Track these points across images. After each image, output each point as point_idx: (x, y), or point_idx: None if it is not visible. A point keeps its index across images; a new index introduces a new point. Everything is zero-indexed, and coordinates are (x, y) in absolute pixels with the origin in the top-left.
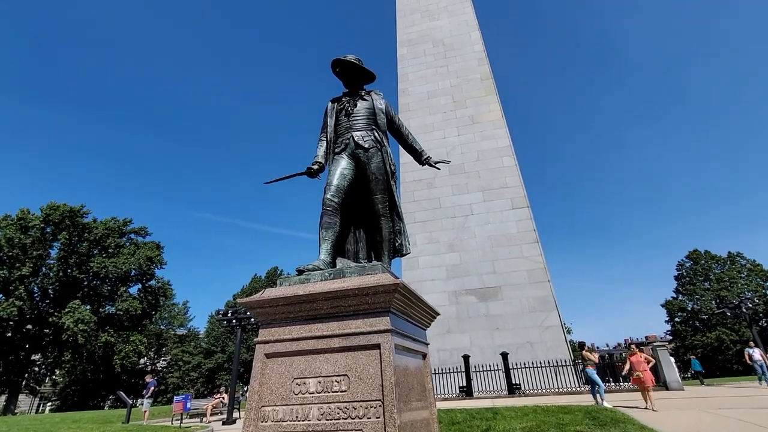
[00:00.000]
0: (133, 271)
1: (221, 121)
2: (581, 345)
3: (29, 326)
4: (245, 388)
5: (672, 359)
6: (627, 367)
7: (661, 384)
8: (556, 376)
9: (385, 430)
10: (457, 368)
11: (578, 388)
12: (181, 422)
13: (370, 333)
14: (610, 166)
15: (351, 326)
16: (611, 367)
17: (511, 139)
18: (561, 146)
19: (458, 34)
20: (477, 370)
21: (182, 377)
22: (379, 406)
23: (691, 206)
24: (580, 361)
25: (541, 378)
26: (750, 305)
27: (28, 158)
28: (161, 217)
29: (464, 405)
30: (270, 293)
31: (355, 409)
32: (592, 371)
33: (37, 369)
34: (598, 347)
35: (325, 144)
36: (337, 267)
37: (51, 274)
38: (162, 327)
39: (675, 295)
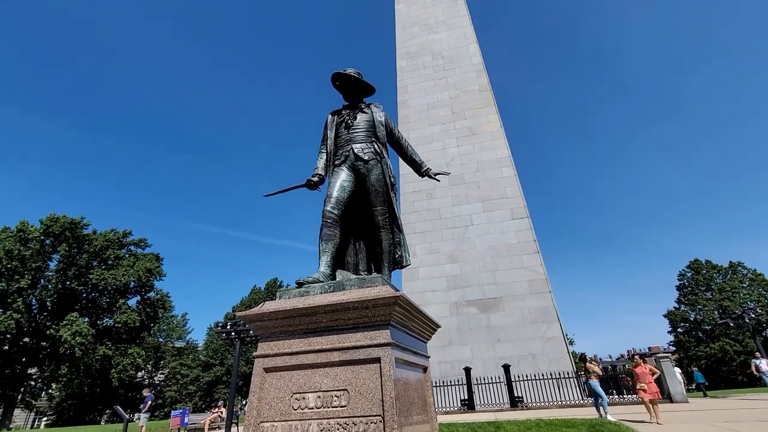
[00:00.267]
0: (132, 283)
1: (222, 132)
2: (582, 357)
3: (26, 339)
4: (244, 402)
5: (678, 370)
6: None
7: (665, 396)
8: (558, 388)
9: None
10: (458, 381)
11: (581, 401)
12: None
13: (370, 346)
14: (609, 175)
15: (351, 340)
16: (614, 379)
17: (511, 150)
18: (560, 156)
19: (457, 46)
20: (479, 382)
21: (180, 391)
22: (380, 421)
23: (691, 214)
24: (582, 373)
25: (544, 390)
26: (753, 315)
27: (27, 169)
28: (160, 228)
29: (466, 419)
30: (269, 306)
31: (355, 424)
32: (595, 383)
33: (33, 383)
34: (600, 359)
35: (325, 156)
36: (337, 279)
37: (49, 286)
38: (160, 339)
39: (677, 306)
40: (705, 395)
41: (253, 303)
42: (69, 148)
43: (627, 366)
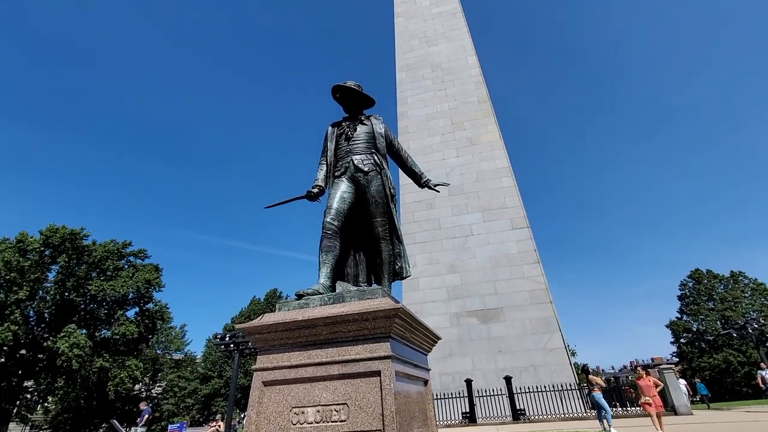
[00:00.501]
0: (131, 294)
1: (222, 142)
2: (584, 368)
3: (23, 351)
4: (242, 415)
5: (683, 381)
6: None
7: (669, 408)
8: (561, 400)
9: None
10: (459, 393)
11: (584, 413)
12: None
13: (370, 359)
14: (609, 184)
15: (351, 352)
16: (618, 391)
17: (510, 160)
18: (559, 166)
19: (456, 59)
20: (480, 395)
21: (178, 404)
22: None
23: (690, 223)
24: (585, 384)
25: (546, 403)
26: (756, 326)
27: (28, 181)
28: (160, 238)
29: None
30: (268, 318)
31: None
32: (598, 395)
33: (29, 396)
34: (603, 370)
35: (325, 168)
36: (337, 291)
37: (48, 297)
38: (158, 351)
39: (679, 316)
40: (708, 407)
41: (253, 314)
42: (70, 158)
43: (630, 377)
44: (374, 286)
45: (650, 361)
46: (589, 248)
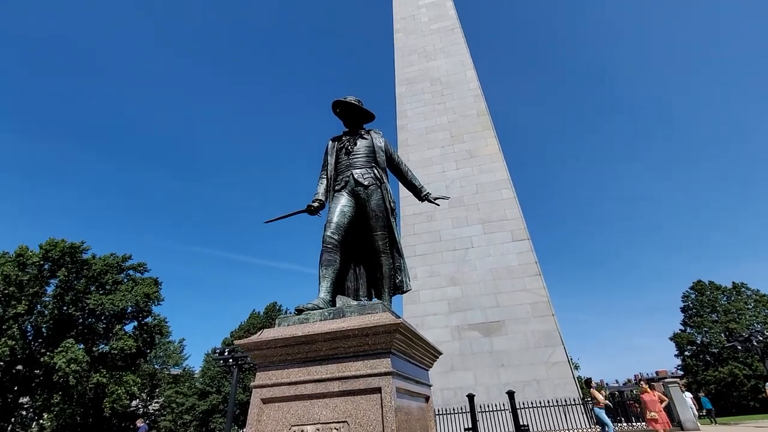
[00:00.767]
0: (130, 308)
1: (223, 155)
2: (588, 382)
3: (19, 367)
4: None
5: (689, 395)
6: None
7: (676, 424)
8: (565, 415)
9: None
10: (461, 408)
11: (588, 429)
12: None
13: (370, 376)
14: (609, 196)
15: (351, 369)
16: (622, 406)
17: (510, 172)
18: (559, 179)
19: (454, 73)
20: (482, 410)
21: (175, 420)
22: None
23: (690, 234)
24: (589, 399)
25: (550, 418)
26: (761, 338)
27: (28, 194)
28: (159, 251)
29: None
30: (267, 334)
31: None
32: (600, 411)
33: (24, 413)
34: (607, 383)
35: (325, 182)
36: (337, 305)
37: (46, 312)
38: (156, 367)
39: (683, 328)
40: (714, 422)
41: (252, 327)
42: (70, 169)
43: (634, 391)
44: (374, 300)
45: (654, 375)
46: (589, 260)
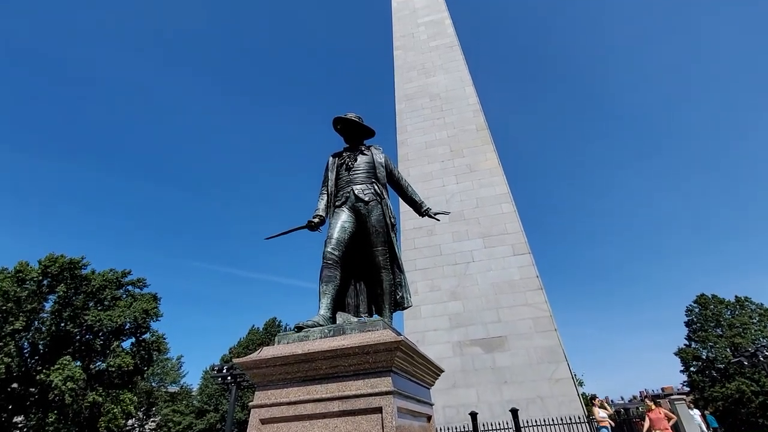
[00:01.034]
0: (128, 324)
1: (223, 170)
2: (592, 399)
3: (15, 385)
4: None
5: (697, 412)
6: (647, 425)
7: None
8: None
9: None
10: (464, 427)
11: None
12: None
13: (371, 395)
14: (609, 209)
15: (351, 388)
16: (628, 423)
17: (510, 186)
18: (559, 192)
19: (453, 89)
20: (486, 428)
21: None
22: None
23: (691, 247)
24: (593, 417)
25: None
26: (767, 353)
27: (27, 209)
28: (158, 265)
29: None
30: (266, 353)
31: None
32: (605, 431)
33: None
34: (612, 400)
35: (326, 197)
36: (338, 322)
37: (43, 328)
38: (153, 384)
39: (687, 343)
40: None
41: (251, 344)
42: (71, 187)
43: (640, 408)
44: (375, 317)
45: (660, 391)
46: (590, 274)
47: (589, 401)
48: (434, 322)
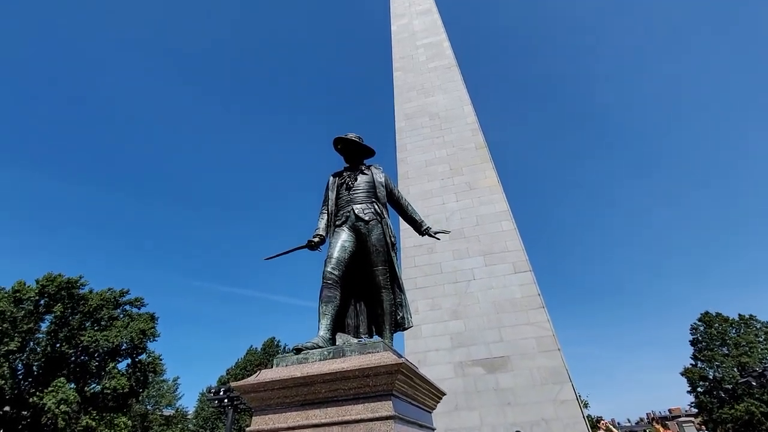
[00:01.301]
0: (125, 345)
1: (222, 188)
2: (599, 421)
3: (7, 408)
4: None
5: None
6: None
7: None
8: None
9: None
10: None
11: None
12: None
13: (371, 420)
14: (610, 225)
15: (351, 412)
16: None
17: (510, 204)
18: (559, 210)
19: (452, 108)
20: None
21: None
22: None
23: (693, 264)
24: None
25: None
26: None
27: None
28: (156, 284)
29: None
30: (265, 376)
31: None
32: None
33: None
34: (618, 423)
35: (326, 217)
36: (337, 344)
37: (38, 349)
38: (148, 407)
39: (693, 362)
40: None
41: (249, 365)
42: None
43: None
44: (375, 338)
45: (668, 413)
46: (590, 293)
47: (595, 424)
48: (435, 342)
